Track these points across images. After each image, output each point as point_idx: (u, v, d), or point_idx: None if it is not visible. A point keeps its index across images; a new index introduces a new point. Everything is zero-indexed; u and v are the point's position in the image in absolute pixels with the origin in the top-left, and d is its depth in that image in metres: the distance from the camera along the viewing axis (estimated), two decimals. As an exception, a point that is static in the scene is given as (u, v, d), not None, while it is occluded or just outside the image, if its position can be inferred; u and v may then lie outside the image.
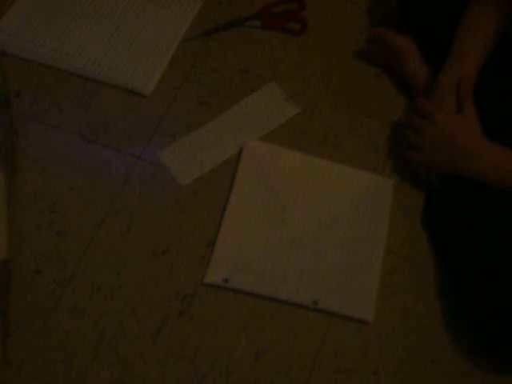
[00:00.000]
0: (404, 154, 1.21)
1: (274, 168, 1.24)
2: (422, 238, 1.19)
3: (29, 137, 1.26)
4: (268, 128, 1.29)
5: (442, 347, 1.10)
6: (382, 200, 1.22)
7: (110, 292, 1.11)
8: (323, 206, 1.21)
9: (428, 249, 1.18)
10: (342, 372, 1.08)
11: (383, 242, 1.18)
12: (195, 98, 1.33)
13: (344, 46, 1.41)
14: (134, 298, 1.11)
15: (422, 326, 1.12)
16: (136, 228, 1.18)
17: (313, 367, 1.08)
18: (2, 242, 1.09)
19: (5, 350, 1.04)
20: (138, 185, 1.22)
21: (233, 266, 1.14)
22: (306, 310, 1.12)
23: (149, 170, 1.24)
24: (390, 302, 1.13)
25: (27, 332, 1.07)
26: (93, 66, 1.35)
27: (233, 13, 1.44)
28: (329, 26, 1.44)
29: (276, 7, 1.45)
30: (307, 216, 1.20)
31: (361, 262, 1.16)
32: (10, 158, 1.20)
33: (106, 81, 1.33)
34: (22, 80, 1.33)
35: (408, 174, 1.24)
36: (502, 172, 1.11)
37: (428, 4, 1.29)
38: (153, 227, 1.18)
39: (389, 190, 1.23)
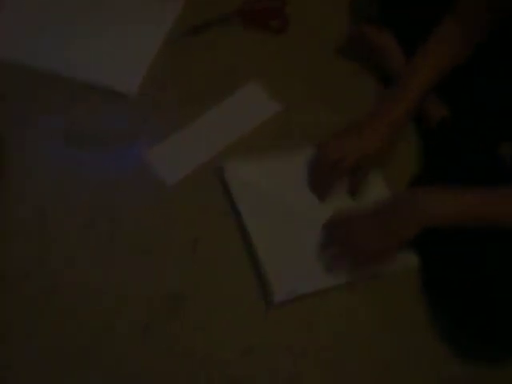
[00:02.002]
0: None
1: (264, 180, 1.23)
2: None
3: (14, 141, 1.26)
4: (251, 126, 1.30)
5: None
6: None
7: (97, 292, 1.12)
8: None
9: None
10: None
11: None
12: (179, 97, 1.34)
13: (325, 44, 1.42)
14: (121, 298, 1.11)
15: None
16: (124, 229, 1.18)
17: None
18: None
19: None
20: (125, 185, 1.23)
21: (290, 275, 1.13)
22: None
23: (135, 170, 1.24)
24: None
25: (16, 332, 1.08)
26: (76, 68, 1.35)
27: (214, 11, 1.45)
28: (310, 24, 1.46)
29: (257, 4, 1.47)
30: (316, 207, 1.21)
31: None
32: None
33: (89, 83, 1.33)
34: (5, 83, 1.33)
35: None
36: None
37: (407, 2, 1.31)
38: (140, 227, 1.19)
39: None
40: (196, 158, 1.26)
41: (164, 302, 1.11)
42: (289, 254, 1.15)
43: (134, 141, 1.28)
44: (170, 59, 1.39)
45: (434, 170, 1.23)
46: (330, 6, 1.49)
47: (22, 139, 1.27)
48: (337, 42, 1.42)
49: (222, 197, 1.21)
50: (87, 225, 1.18)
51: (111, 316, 1.10)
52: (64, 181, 1.23)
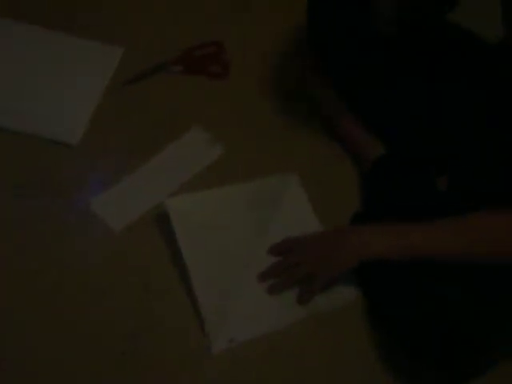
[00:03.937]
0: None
1: (205, 212, 1.25)
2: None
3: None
4: (194, 170, 1.33)
5: None
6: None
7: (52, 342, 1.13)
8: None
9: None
10: None
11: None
12: (123, 145, 1.36)
13: (265, 87, 1.47)
14: (75, 345, 1.13)
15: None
16: (73, 276, 1.19)
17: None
18: None
19: None
20: (73, 233, 1.25)
21: (228, 322, 1.14)
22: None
23: (82, 218, 1.26)
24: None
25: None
26: (18, 120, 1.37)
27: (155, 59, 1.48)
28: (249, 68, 1.50)
29: (197, 51, 1.51)
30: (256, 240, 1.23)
31: None
32: None
33: (32, 133, 1.35)
34: None
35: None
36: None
37: None
38: (89, 274, 1.20)
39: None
40: (142, 204, 1.28)
41: (120, 343, 1.13)
42: (228, 297, 1.16)
43: (80, 188, 1.30)
44: (112, 107, 1.41)
45: (373, 206, 1.27)
46: (268, 48, 1.54)
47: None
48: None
49: (168, 242, 1.23)
50: (35, 275, 1.19)
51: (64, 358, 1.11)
52: (11, 233, 1.24)
